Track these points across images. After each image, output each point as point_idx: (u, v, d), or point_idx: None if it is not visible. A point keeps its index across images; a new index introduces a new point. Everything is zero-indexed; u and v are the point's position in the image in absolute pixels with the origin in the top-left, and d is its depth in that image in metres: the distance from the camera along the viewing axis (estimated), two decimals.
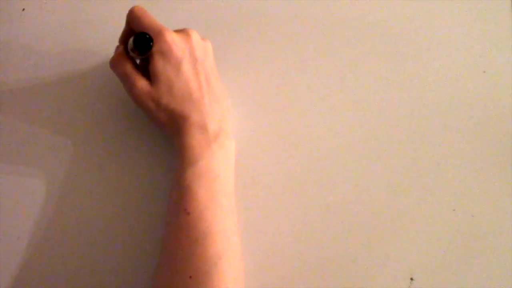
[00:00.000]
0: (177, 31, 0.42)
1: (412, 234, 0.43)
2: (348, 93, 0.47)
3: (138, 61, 0.43)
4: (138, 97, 0.41)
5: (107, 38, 0.47)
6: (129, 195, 0.44)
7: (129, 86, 0.41)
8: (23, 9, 0.49)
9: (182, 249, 0.36)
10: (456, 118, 0.47)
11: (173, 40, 0.40)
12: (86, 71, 0.47)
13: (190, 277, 0.35)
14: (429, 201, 0.44)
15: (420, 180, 0.45)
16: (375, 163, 0.45)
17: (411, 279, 0.42)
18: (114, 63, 0.42)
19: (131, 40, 0.40)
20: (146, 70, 0.41)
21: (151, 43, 0.39)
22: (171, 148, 0.42)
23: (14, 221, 0.42)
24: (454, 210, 0.44)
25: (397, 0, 0.51)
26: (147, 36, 0.39)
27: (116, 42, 0.44)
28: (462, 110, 0.47)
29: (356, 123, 0.47)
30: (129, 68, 0.41)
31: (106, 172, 0.44)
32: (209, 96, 0.41)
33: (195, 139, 0.39)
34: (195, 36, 0.42)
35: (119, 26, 0.43)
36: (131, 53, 0.41)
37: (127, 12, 0.41)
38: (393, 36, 0.50)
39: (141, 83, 0.40)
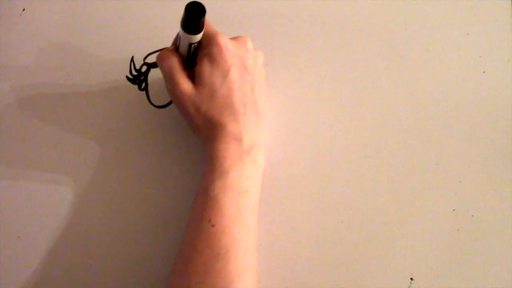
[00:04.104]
0: (232, 38, 0.41)
1: (412, 234, 0.43)
2: (347, 94, 0.47)
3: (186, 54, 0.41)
4: (179, 98, 0.39)
5: (107, 38, 0.47)
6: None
7: (172, 85, 0.39)
8: (23, 9, 0.49)
9: (202, 261, 0.35)
10: (456, 118, 0.47)
11: (226, 45, 0.39)
12: (86, 70, 0.47)
13: None
14: (429, 201, 0.44)
15: (420, 180, 0.45)
16: (375, 163, 0.45)
17: (411, 279, 0.42)
18: (162, 57, 0.40)
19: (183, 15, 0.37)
20: (191, 74, 0.40)
21: (203, 15, 0.37)
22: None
23: (14, 221, 0.42)
24: (454, 210, 0.44)
25: (398, 0, 0.51)
26: (200, 4, 0.36)
27: (116, 42, 0.44)
28: (462, 110, 0.47)
29: (355, 124, 0.47)
30: (176, 65, 0.39)
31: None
32: (250, 107, 0.40)
33: (229, 150, 0.38)
34: (249, 44, 0.41)
35: (120, 26, 0.43)
36: (181, 33, 0.39)
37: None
38: (393, 36, 0.50)
39: (185, 84, 0.39)
